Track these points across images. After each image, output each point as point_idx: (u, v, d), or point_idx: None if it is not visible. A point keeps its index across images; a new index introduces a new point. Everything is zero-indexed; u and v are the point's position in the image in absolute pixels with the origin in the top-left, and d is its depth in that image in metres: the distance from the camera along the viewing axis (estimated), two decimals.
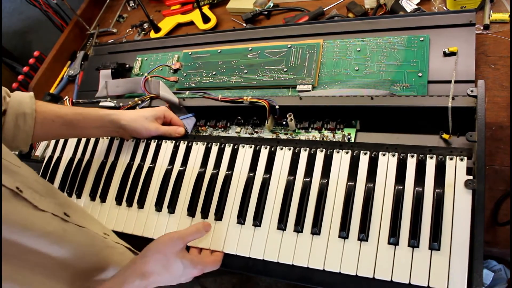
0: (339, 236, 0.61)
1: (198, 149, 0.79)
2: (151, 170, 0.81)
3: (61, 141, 0.97)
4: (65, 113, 0.78)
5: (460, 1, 0.86)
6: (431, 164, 0.62)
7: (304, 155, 0.70)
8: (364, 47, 0.80)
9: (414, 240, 0.57)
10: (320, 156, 0.69)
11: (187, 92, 0.90)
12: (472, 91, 0.64)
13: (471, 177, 0.58)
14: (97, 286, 0.57)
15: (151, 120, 0.83)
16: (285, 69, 0.83)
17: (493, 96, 0.75)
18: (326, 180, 0.66)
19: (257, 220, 0.67)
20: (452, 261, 0.54)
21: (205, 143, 0.79)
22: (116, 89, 0.98)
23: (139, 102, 0.91)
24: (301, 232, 0.64)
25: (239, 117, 0.85)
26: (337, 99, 0.74)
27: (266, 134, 0.81)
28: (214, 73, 0.90)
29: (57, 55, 1.29)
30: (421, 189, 0.60)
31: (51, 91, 1.23)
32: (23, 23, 1.61)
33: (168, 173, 0.78)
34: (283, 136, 0.79)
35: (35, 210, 0.53)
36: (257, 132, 0.83)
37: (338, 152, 0.68)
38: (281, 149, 0.72)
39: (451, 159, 0.61)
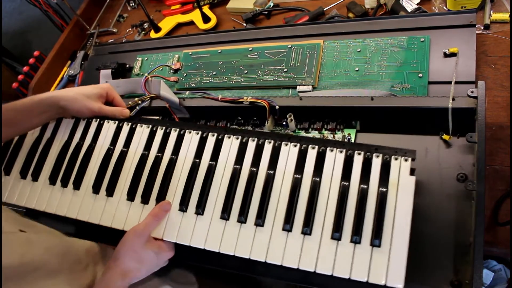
0: (283, 229, 0.61)
1: (142, 131, 0.77)
2: (90, 150, 0.77)
3: None
4: None
5: (460, 1, 0.86)
6: (376, 162, 0.61)
7: (252, 145, 0.69)
8: (364, 47, 0.80)
9: (356, 236, 0.57)
10: (268, 148, 0.68)
11: (187, 92, 0.90)
12: (472, 92, 0.64)
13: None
14: None
15: (93, 99, 0.79)
16: (285, 70, 0.83)
17: (493, 96, 0.75)
18: (272, 171, 0.65)
19: (200, 208, 0.65)
20: (392, 258, 0.54)
21: (150, 126, 0.77)
22: (117, 89, 0.97)
23: (139, 102, 0.90)
24: (245, 223, 0.63)
25: (239, 118, 0.85)
26: (337, 99, 0.73)
27: None
28: (214, 73, 0.90)
29: (57, 55, 1.29)
30: (366, 186, 0.60)
31: (51, 91, 1.23)
32: (23, 23, 1.61)
33: (108, 154, 0.75)
34: None
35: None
36: None
37: (286, 145, 0.67)
38: (229, 137, 0.70)
39: (396, 159, 0.61)
